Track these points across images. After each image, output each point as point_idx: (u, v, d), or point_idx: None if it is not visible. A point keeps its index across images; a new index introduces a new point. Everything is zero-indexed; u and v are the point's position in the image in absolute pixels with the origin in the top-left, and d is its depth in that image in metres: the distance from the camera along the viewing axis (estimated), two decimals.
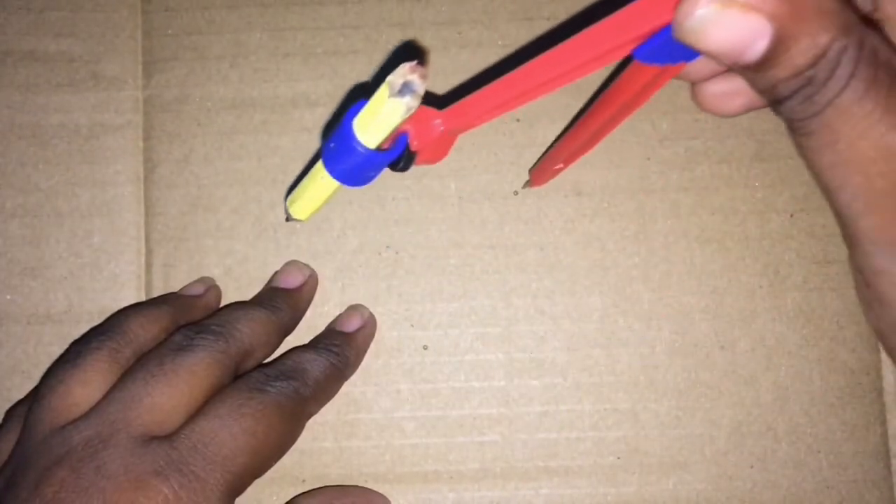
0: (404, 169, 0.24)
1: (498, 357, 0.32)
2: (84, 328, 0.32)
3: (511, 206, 0.33)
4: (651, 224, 0.32)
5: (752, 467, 0.32)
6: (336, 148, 0.22)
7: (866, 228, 0.18)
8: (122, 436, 0.24)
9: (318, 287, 0.32)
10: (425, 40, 0.33)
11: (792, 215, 0.32)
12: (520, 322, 0.32)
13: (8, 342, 0.32)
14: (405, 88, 0.20)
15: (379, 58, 0.33)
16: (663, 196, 0.33)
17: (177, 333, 0.28)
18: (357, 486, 0.31)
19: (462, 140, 0.33)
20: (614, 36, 0.20)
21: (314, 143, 0.33)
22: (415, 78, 0.21)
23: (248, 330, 0.29)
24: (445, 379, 0.32)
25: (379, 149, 0.22)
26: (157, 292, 0.32)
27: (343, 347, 0.31)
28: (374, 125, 0.21)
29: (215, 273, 0.33)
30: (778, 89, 0.18)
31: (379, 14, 0.33)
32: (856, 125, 0.17)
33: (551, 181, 0.32)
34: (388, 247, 0.33)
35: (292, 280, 0.32)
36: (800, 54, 0.17)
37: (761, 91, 0.19)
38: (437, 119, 0.23)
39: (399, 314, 0.32)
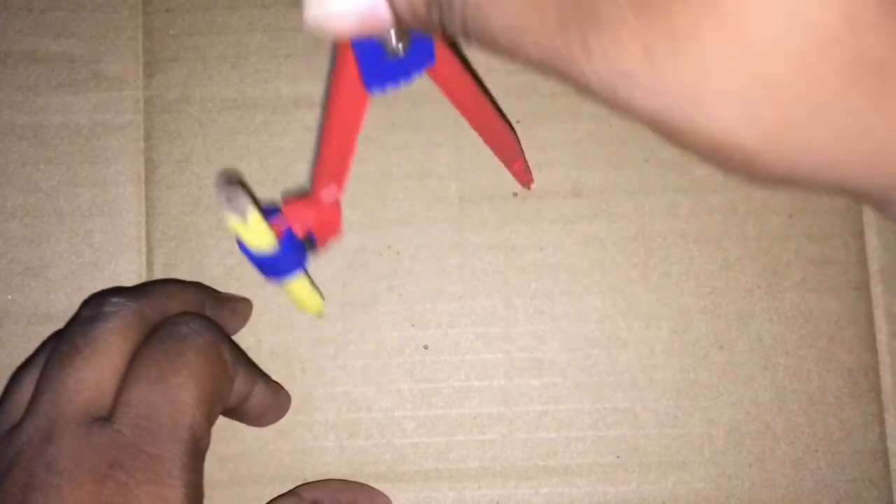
0: (312, 248, 0.27)
1: (498, 357, 0.32)
2: None
3: (511, 206, 0.33)
4: (650, 225, 0.33)
5: (750, 466, 0.32)
6: (255, 263, 0.26)
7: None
8: (60, 425, 0.24)
9: (320, 287, 0.33)
10: None
11: (790, 216, 0.33)
12: (520, 322, 0.32)
13: (9, 342, 0.32)
14: (230, 202, 0.24)
15: None
16: (662, 197, 0.33)
17: (84, 308, 0.27)
18: (360, 483, 0.31)
19: (462, 141, 0.33)
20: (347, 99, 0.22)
21: (315, 143, 0.33)
22: (230, 190, 0.24)
23: (163, 291, 0.28)
24: (446, 378, 0.32)
25: (271, 248, 0.25)
26: None
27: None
28: (247, 237, 0.25)
29: (216, 273, 0.33)
30: (430, 23, 0.16)
31: None
32: None
33: (553, 180, 0.32)
34: (388, 247, 0.33)
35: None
36: None
37: (424, 28, 0.17)
38: (307, 205, 0.26)
39: (399, 314, 0.32)
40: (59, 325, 0.32)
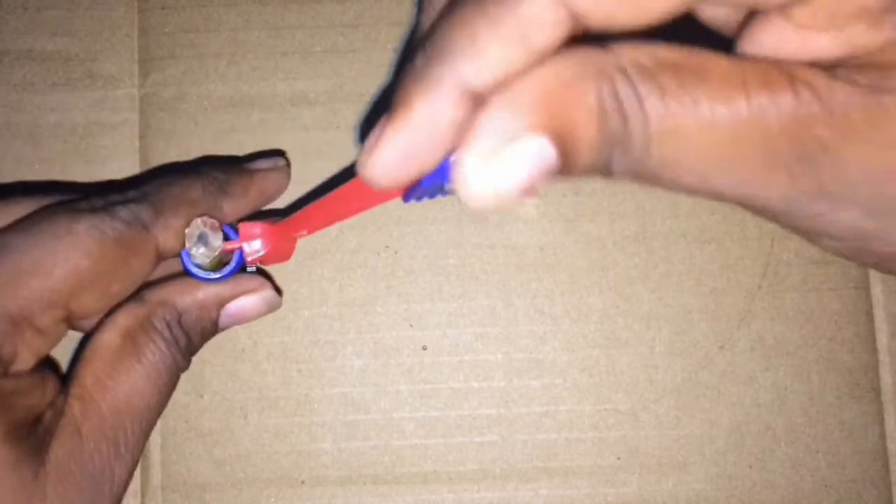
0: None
1: (497, 357, 0.32)
2: None
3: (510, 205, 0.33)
4: (650, 224, 0.32)
5: (751, 467, 0.32)
6: (188, 269, 0.26)
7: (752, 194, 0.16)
8: None
9: (317, 287, 0.32)
10: None
11: None
12: (519, 322, 0.32)
13: None
14: (200, 240, 0.24)
15: (378, 56, 0.33)
16: (663, 196, 0.33)
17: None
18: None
19: None
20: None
21: (312, 142, 0.33)
22: (206, 230, 0.24)
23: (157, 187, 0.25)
24: (445, 379, 0.32)
25: (220, 267, 0.26)
26: None
27: (230, 175, 0.27)
28: (205, 266, 0.25)
29: None
30: (597, 167, 0.16)
31: (378, 12, 0.33)
32: (683, 132, 0.15)
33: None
34: (387, 246, 0.33)
35: (256, 165, 0.29)
36: (586, 128, 0.15)
37: (587, 175, 0.16)
38: (260, 240, 0.26)
39: (398, 314, 0.32)
40: None
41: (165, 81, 0.33)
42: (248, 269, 0.27)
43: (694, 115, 0.15)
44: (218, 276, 0.26)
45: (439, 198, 0.21)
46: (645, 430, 0.32)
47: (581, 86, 0.15)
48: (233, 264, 0.26)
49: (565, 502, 0.31)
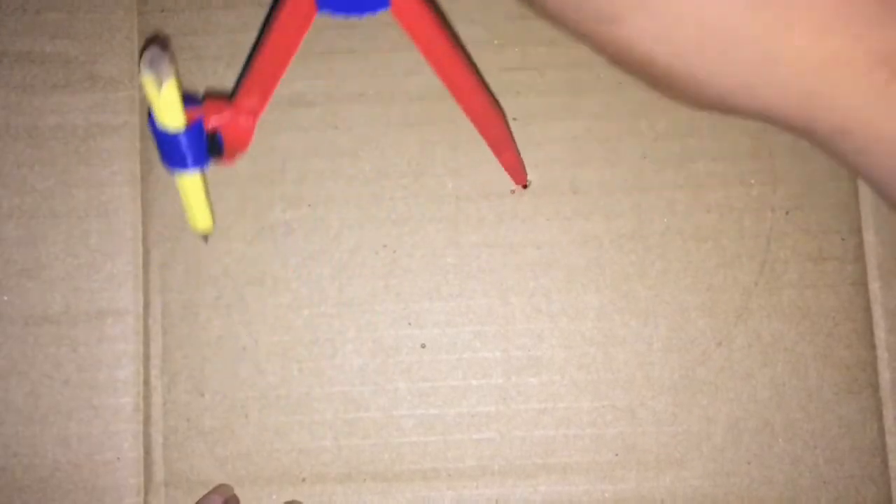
0: (216, 154, 0.27)
1: (495, 355, 0.32)
2: (81, 329, 0.32)
3: (508, 204, 0.33)
4: (647, 222, 0.33)
5: (749, 463, 0.32)
6: (158, 143, 0.26)
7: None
8: None
9: (317, 287, 0.32)
10: None
11: (787, 212, 0.33)
12: (517, 320, 0.32)
13: (5, 343, 0.32)
14: (151, 64, 0.24)
15: (376, 57, 0.33)
16: (659, 194, 0.33)
17: None
18: None
19: (458, 138, 0.33)
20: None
21: (311, 142, 0.33)
22: (155, 54, 0.24)
23: None
24: (443, 377, 0.32)
25: (177, 129, 0.25)
26: (154, 293, 0.32)
27: None
28: (158, 108, 0.25)
29: (213, 272, 0.33)
30: None
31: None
32: None
33: (550, 177, 0.32)
34: (385, 245, 0.33)
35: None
36: None
37: None
38: (226, 107, 0.27)
39: (397, 313, 0.32)
40: (56, 326, 0.32)
41: None
42: (217, 150, 0.28)
43: None
44: (185, 134, 0.26)
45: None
46: (642, 426, 0.32)
47: None
48: (192, 128, 0.26)
49: (563, 499, 0.32)
